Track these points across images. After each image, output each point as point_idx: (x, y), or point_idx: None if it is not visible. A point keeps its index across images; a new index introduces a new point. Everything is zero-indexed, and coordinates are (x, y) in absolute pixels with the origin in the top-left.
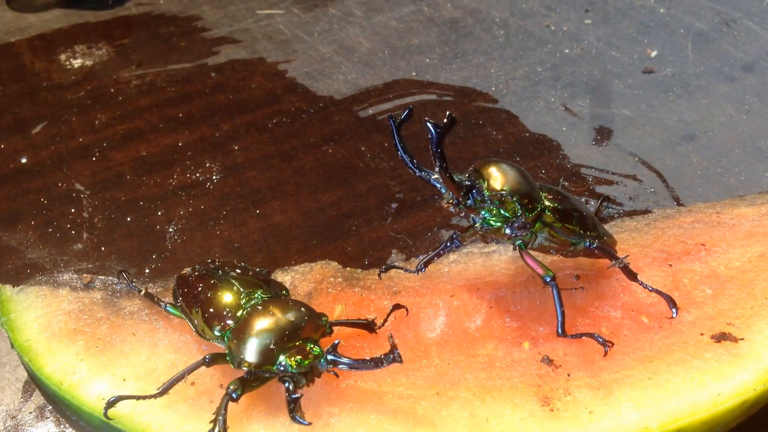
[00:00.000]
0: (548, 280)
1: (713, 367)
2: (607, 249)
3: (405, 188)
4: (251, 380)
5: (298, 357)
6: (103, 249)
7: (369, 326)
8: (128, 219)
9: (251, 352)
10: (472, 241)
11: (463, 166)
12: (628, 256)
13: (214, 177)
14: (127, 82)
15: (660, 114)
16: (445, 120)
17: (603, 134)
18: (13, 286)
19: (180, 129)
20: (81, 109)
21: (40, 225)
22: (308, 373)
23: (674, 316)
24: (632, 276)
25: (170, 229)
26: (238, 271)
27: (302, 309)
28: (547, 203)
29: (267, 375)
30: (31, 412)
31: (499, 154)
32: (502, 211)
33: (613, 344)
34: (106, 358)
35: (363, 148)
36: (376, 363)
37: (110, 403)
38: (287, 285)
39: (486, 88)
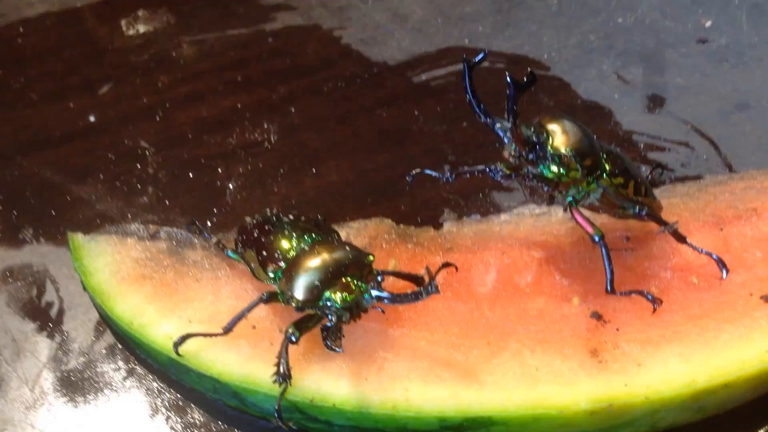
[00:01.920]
0: (597, 239)
1: (762, 326)
2: (656, 215)
3: (458, 151)
4: (305, 321)
5: (343, 293)
6: (167, 203)
7: (419, 281)
8: (190, 175)
9: (298, 290)
10: (505, 177)
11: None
12: (677, 221)
13: (272, 137)
14: (188, 47)
15: (714, 83)
16: (525, 78)
17: (656, 102)
18: (85, 235)
19: (238, 92)
20: (144, 71)
21: (109, 179)
22: (353, 309)
23: (724, 277)
24: (681, 239)
25: (230, 186)
26: (291, 217)
27: (347, 248)
28: (606, 166)
29: (316, 312)
30: (102, 350)
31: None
32: (562, 170)
33: (662, 302)
34: (173, 302)
35: (416, 113)
36: (416, 296)
37: (180, 341)
38: (342, 239)
39: (538, 56)
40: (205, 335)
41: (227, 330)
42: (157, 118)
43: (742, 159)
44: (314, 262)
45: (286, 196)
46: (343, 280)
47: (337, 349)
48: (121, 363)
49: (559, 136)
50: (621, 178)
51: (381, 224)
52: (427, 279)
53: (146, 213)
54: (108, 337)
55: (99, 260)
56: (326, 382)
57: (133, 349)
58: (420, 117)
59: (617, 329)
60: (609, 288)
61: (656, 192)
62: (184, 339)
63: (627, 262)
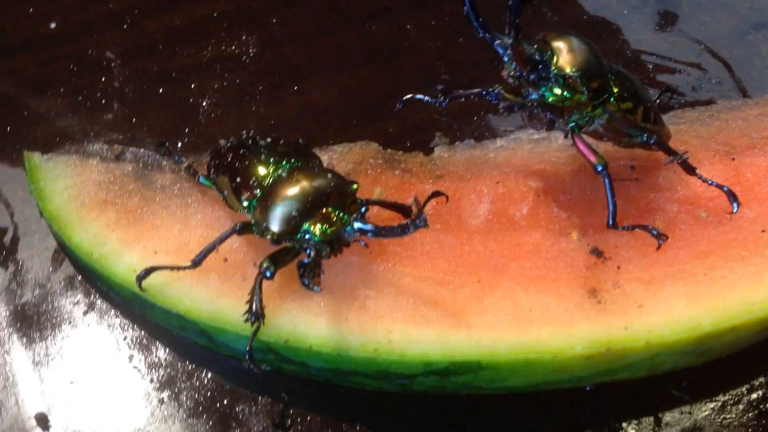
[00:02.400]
0: (600, 169)
1: None
2: (665, 144)
3: (451, 69)
4: (282, 255)
5: (323, 225)
6: (134, 120)
7: (406, 211)
8: (160, 90)
9: (274, 220)
10: (506, 106)
11: None
12: (687, 151)
13: (251, 50)
14: None
15: (730, 0)
16: None
17: (667, 19)
18: (42, 154)
19: None
20: None
21: (70, 93)
22: (334, 242)
23: (734, 211)
24: (691, 170)
25: (204, 103)
26: (268, 141)
27: (329, 176)
28: (614, 89)
29: (294, 245)
30: (60, 282)
31: None
32: (566, 93)
33: (667, 237)
34: (137, 231)
35: (408, 26)
36: (403, 229)
37: (144, 274)
38: (324, 165)
39: None
40: (171, 268)
41: (196, 263)
42: (125, 27)
43: (757, 83)
44: (292, 190)
45: (265, 115)
46: (324, 210)
47: (315, 287)
48: (80, 296)
49: (565, 55)
50: (630, 103)
51: (367, 148)
52: (415, 210)
53: (111, 131)
54: (67, 268)
55: (57, 183)
56: (302, 321)
57: (94, 282)
58: (412, 31)
59: (618, 267)
60: (611, 222)
61: (665, 118)
62: (148, 272)
63: (631, 194)
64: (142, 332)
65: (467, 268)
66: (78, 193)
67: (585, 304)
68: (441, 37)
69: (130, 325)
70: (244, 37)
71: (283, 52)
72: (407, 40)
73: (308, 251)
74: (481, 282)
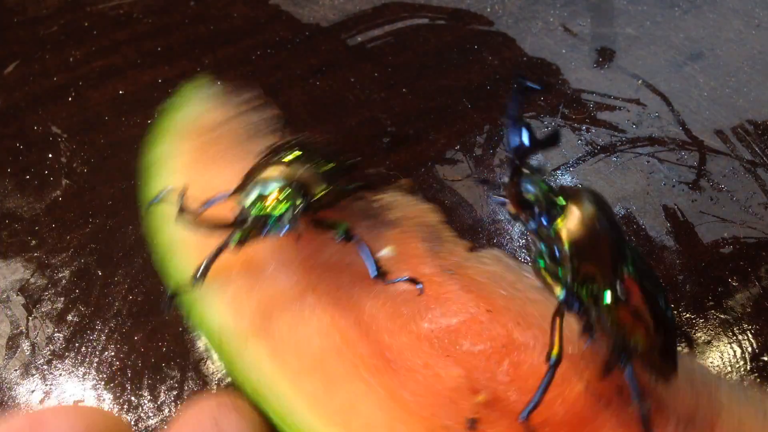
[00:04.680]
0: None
1: None
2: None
3: (397, 121)
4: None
5: (266, 200)
6: (84, 197)
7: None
8: (109, 164)
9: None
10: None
11: (457, 95)
12: None
13: None
14: (102, 15)
15: (665, 31)
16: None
17: (605, 56)
18: None
19: (159, 64)
20: (54, 45)
21: (17, 172)
22: (256, 226)
23: None
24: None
25: None
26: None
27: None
28: (617, 290)
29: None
30: (15, 369)
31: (495, 81)
32: (559, 269)
33: None
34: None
35: (352, 80)
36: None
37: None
38: None
39: (481, 9)
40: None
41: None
42: (70, 99)
43: (695, 115)
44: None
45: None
46: (278, 193)
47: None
48: (37, 383)
49: (573, 234)
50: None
51: None
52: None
53: (61, 209)
54: (22, 355)
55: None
56: None
57: (52, 371)
58: (356, 84)
59: None
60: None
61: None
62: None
63: None
64: None
65: None
66: None
67: None
68: (384, 88)
69: None
70: None
71: None
72: (352, 93)
73: (243, 216)
74: None
